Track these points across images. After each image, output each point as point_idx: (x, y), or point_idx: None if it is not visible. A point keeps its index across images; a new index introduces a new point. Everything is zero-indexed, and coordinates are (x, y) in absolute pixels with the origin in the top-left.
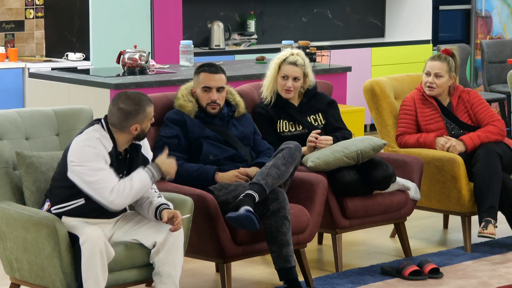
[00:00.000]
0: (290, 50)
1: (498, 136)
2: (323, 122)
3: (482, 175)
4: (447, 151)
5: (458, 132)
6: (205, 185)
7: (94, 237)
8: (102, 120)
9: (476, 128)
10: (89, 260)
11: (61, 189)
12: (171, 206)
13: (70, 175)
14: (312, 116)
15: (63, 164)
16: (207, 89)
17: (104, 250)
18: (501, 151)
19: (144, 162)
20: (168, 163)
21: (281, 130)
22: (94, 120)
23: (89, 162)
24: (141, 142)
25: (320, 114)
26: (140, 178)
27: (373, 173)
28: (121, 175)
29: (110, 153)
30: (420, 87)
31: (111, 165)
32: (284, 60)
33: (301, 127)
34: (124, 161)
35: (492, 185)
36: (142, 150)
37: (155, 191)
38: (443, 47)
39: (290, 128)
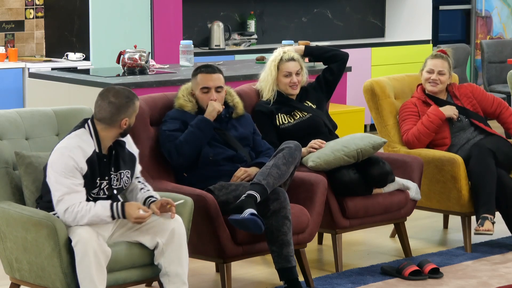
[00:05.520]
0: (280, 49)
1: None
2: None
3: (475, 173)
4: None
5: (464, 120)
6: (209, 133)
7: (86, 238)
8: (89, 121)
9: (481, 117)
10: (83, 260)
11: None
12: (158, 196)
13: (47, 177)
14: (310, 102)
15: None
16: (206, 89)
17: (99, 249)
18: (493, 147)
19: (131, 158)
20: (134, 208)
21: (281, 123)
22: (81, 122)
23: (61, 175)
24: (124, 139)
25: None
26: (100, 212)
27: (370, 170)
28: (106, 177)
29: (90, 158)
30: (417, 93)
31: (92, 170)
32: (281, 59)
33: (300, 114)
34: (109, 163)
35: (486, 182)
36: (127, 146)
37: (138, 181)
38: (443, 47)
39: (289, 120)
